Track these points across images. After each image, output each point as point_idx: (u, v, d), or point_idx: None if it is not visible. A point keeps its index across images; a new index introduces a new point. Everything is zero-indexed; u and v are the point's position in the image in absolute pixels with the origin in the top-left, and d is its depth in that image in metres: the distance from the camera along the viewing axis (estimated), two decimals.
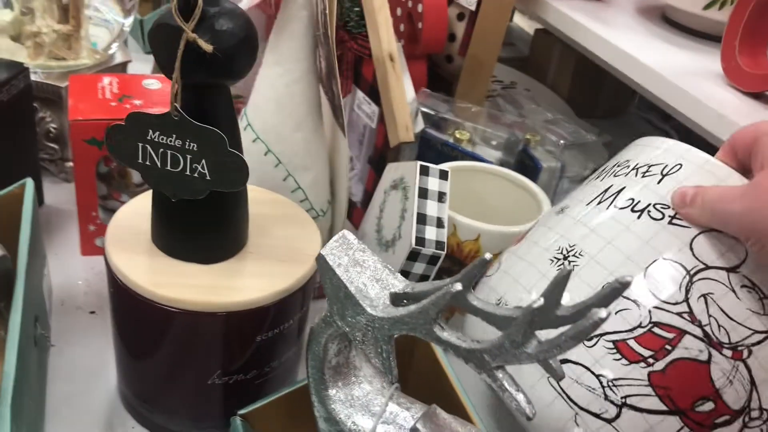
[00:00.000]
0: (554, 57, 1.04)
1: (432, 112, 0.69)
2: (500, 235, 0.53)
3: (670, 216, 0.41)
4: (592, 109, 1.03)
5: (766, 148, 0.40)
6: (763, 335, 0.39)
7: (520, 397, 0.30)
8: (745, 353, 0.39)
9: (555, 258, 0.42)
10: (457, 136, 0.66)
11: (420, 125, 0.68)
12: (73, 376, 0.52)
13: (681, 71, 0.64)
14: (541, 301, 0.27)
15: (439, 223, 0.48)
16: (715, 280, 0.39)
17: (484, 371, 0.30)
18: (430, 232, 0.48)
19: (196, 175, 0.40)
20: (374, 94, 0.66)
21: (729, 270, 0.40)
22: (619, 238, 0.41)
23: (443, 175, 0.50)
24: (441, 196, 0.49)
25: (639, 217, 0.42)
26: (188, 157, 0.39)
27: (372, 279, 0.34)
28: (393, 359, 0.34)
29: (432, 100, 0.73)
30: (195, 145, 0.39)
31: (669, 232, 0.41)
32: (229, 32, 0.37)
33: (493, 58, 0.76)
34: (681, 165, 0.43)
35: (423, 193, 0.49)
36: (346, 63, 0.70)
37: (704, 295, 0.39)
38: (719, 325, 0.39)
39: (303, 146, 0.54)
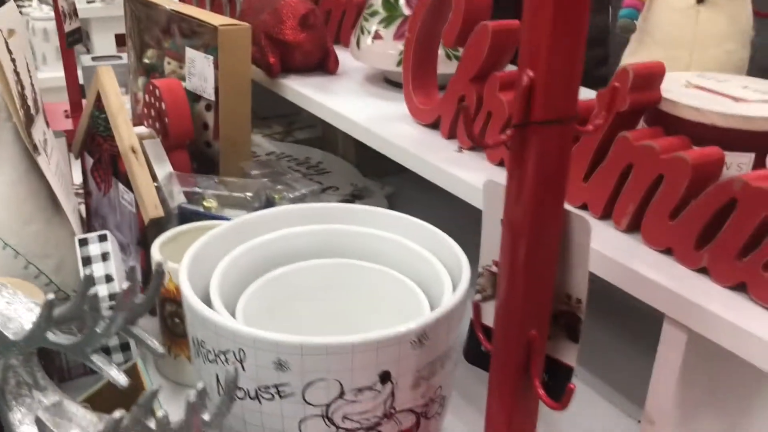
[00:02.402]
0: (338, 132, 1.18)
1: (191, 190, 0.80)
2: None
3: None
4: (380, 170, 1.16)
5: None
6: None
7: (113, 371, 0.39)
8: None
9: None
10: (206, 204, 0.77)
11: (177, 201, 0.79)
12: None
13: (380, 118, 0.78)
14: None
15: (108, 279, 0.58)
16: None
17: (85, 359, 0.39)
18: (101, 290, 0.57)
19: None
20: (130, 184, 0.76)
21: None
22: None
23: (102, 238, 0.60)
24: (104, 256, 0.59)
25: None
26: None
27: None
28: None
29: (200, 180, 0.83)
30: None
31: None
32: None
33: (244, 137, 0.88)
34: None
35: (86, 261, 0.59)
36: (104, 162, 0.81)
37: None
38: None
39: (39, 236, 0.63)
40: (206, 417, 0.37)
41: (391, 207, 1.02)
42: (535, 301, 0.39)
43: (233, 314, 0.56)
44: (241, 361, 0.48)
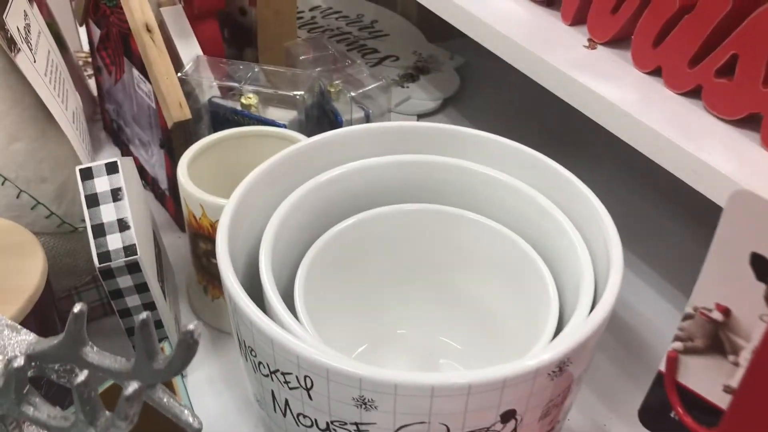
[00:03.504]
0: None
1: (224, 84, 0.63)
2: None
3: None
4: (445, 32, 0.96)
5: None
6: None
7: None
8: None
9: None
10: (243, 101, 0.60)
11: (208, 95, 0.62)
12: None
13: None
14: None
15: (122, 226, 0.43)
16: None
17: None
18: (114, 241, 0.42)
19: None
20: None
21: None
22: None
23: (111, 169, 0.44)
24: (116, 194, 0.43)
25: None
26: None
27: None
28: None
29: (236, 68, 0.66)
30: None
31: None
32: None
33: (290, 4, 0.69)
34: None
35: (92, 201, 0.43)
36: (113, 39, 0.63)
37: None
38: None
39: (28, 156, 0.48)
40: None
41: (462, 83, 0.85)
42: None
43: (289, 287, 0.42)
44: (308, 389, 0.34)
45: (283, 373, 0.35)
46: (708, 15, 0.42)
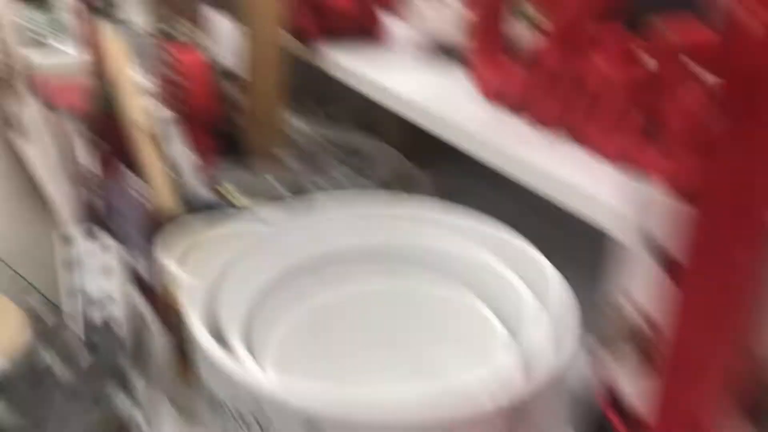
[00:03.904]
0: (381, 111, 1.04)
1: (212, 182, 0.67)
2: None
3: None
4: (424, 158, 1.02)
5: None
6: None
7: None
8: None
9: None
10: (231, 201, 0.64)
11: (197, 193, 0.66)
12: None
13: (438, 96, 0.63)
14: None
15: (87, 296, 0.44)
16: None
17: None
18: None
19: None
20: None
21: None
22: None
23: (90, 233, 0.45)
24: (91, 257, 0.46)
25: None
26: None
27: None
28: None
29: (222, 168, 0.71)
30: None
31: None
32: None
33: (276, 116, 0.75)
34: None
35: (68, 266, 0.45)
36: (110, 143, 0.68)
37: None
38: None
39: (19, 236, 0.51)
40: None
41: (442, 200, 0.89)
42: (718, 377, 0.25)
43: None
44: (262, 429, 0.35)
45: (241, 414, 0.35)
46: None
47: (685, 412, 0.25)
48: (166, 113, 0.70)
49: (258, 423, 0.35)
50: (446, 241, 0.49)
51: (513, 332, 0.44)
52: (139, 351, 0.53)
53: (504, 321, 0.45)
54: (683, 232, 0.25)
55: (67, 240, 0.46)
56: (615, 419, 0.30)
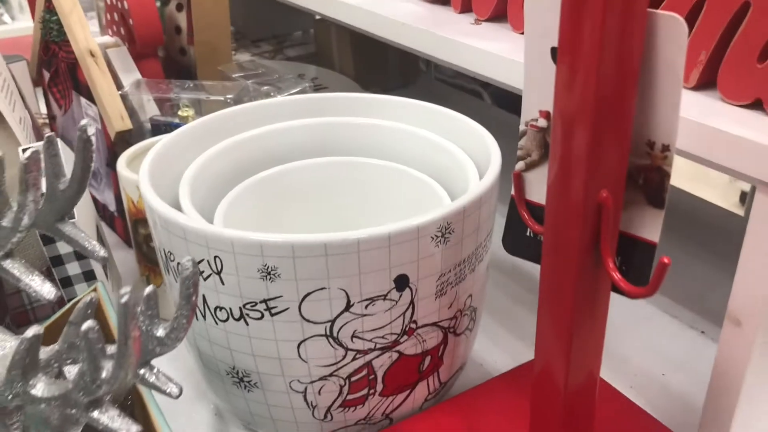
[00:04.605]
0: (333, 41, 1.06)
1: (163, 96, 0.69)
2: None
3: None
4: (382, 82, 1.05)
5: None
6: None
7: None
8: None
9: None
10: (181, 114, 0.66)
11: (149, 113, 0.68)
12: None
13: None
14: None
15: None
16: None
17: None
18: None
19: None
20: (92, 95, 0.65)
21: None
22: None
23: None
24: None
25: None
26: None
27: None
28: None
29: (173, 86, 0.72)
30: None
31: None
32: None
33: (224, 41, 0.77)
34: None
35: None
36: (61, 74, 0.70)
37: None
38: None
39: None
40: (159, 332, 0.27)
41: None
42: (606, 152, 0.28)
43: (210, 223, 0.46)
44: (218, 273, 0.38)
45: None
46: None
47: (582, 195, 0.29)
48: (117, 43, 0.72)
49: (212, 269, 0.38)
50: (386, 124, 0.53)
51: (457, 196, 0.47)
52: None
53: (448, 191, 0.48)
54: None
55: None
56: (526, 214, 0.34)
